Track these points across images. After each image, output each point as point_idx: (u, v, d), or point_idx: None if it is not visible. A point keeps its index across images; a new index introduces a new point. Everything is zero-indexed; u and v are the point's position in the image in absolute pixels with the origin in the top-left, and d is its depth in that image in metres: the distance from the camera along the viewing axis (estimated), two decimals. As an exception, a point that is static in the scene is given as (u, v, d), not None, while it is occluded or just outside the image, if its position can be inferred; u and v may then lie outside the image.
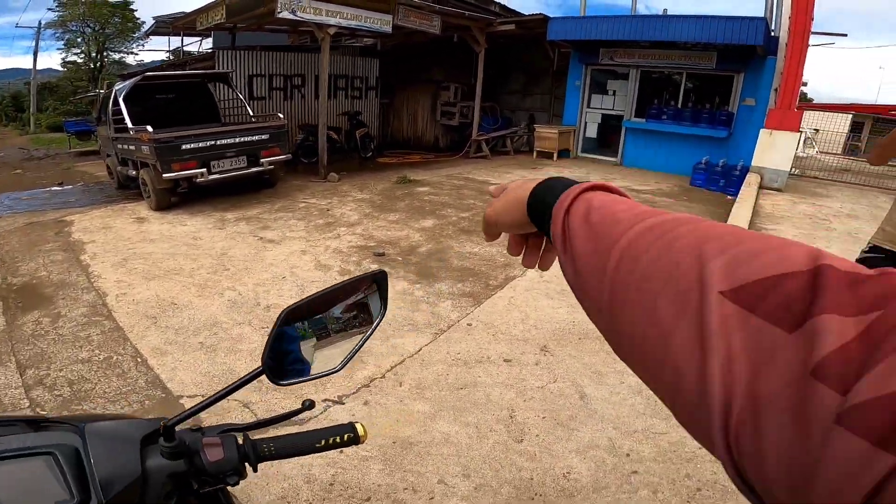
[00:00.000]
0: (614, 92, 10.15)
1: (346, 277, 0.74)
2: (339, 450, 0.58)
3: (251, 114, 7.64)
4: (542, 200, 0.43)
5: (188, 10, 9.08)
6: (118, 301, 3.49)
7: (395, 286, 3.69)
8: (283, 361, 0.65)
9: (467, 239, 4.83)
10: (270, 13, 7.10)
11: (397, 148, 12.08)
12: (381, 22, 8.00)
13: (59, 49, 29.71)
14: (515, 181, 0.51)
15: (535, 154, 10.47)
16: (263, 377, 0.62)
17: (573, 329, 3.11)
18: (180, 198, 6.36)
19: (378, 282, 0.69)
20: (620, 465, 2.04)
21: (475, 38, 9.82)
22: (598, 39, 9.15)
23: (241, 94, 8.00)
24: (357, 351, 0.68)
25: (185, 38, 15.37)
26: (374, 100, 11.36)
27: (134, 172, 6.51)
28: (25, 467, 0.51)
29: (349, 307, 0.69)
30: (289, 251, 4.51)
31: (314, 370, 0.66)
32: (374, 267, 4.10)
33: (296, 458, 0.63)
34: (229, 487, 0.62)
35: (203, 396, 2.45)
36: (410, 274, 4.00)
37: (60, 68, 31.95)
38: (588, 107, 10.52)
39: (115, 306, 3.41)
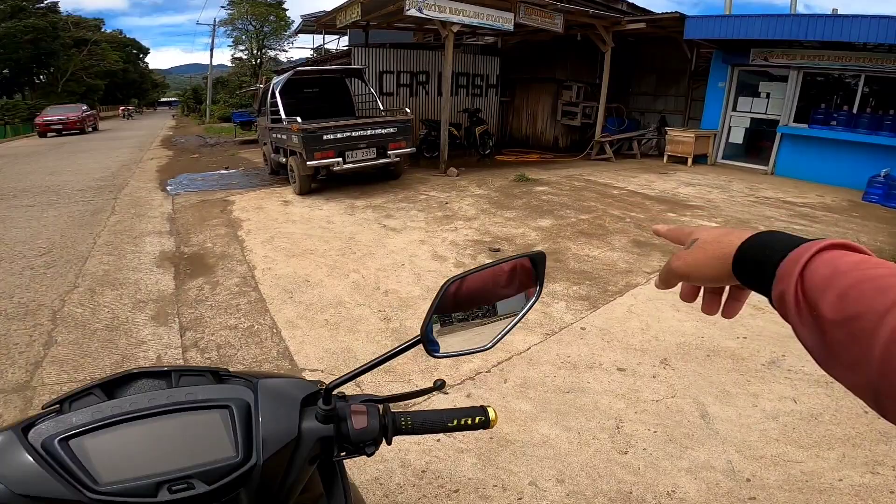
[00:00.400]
0: (768, 95, 9.03)
1: (505, 256, 0.74)
2: (465, 432, 0.58)
3: (381, 108, 8.09)
4: (760, 259, 0.40)
5: (329, 8, 9.86)
6: (264, 274, 3.95)
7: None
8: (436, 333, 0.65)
9: (586, 242, 4.66)
10: (399, 10, 7.49)
11: (515, 146, 12.03)
12: (502, 20, 8.02)
13: (228, 46, 34.17)
14: (706, 229, 0.48)
15: (665, 158, 9.71)
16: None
17: (701, 344, 2.85)
18: (319, 184, 7.05)
19: (536, 262, 0.69)
20: (736, 490, 1.83)
21: (601, 36, 9.39)
22: (749, 39, 8.20)
23: (372, 89, 8.51)
24: (509, 331, 0.68)
25: (326, 35, 16.80)
26: (493, 98, 11.46)
27: (284, 160, 7.32)
28: (204, 419, 0.54)
29: (513, 302, 0.69)
30: (408, 240, 4.74)
31: (466, 346, 0.66)
32: (490, 261, 4.13)
33: (422, 435, 0.64)
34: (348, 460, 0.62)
35: (323, 371, 2.65)
36: (524, 273, 3.97)
37: (230, 64, 36.77)
38: (734, 110, 9.49)
39: (261, 279, 3.86)
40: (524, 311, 0.69)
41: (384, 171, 7.45)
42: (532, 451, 2.04)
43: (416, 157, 8.70)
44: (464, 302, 0.66)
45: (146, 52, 59.15)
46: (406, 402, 0.58)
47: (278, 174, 8.16)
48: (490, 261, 0.71)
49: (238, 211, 6.05)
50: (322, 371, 2.64)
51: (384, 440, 0.62)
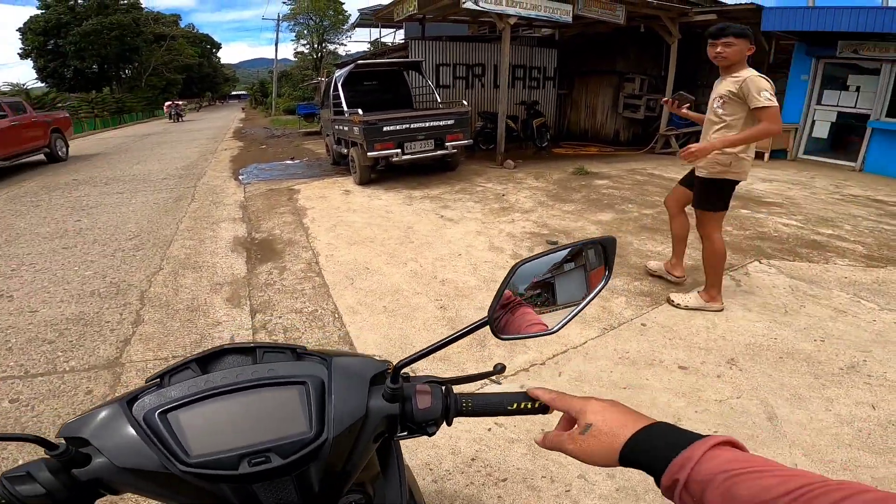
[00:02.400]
0: (857, 88, 8.30)
1: (576, 241, 0.72)
2: (524, 416, 0.60)
3: (438, 100, 8.14)
4: (650, 456, 0.45)
5: (386, 2, 9.99)
6: (327, 261, 4.12)
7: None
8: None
9: (649, 237, 4.50)
10: (456, 3, 7.48)
11: (573, 139, 11.74)
12: (560, 11, 7.83)
13: (291, 41, 35.31)
14: (597, 409, 0.52)
15: (738, 152, 9.14)
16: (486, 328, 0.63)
17: (773, 346, 2.70)
18: (378, 175, 7.23)
19: (606, 246, 0.69)
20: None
21: (666, 28, 8.96)
22: (836, 31, 7.60)
23: (429, 81, 8.57)
24: (576, 315, 0.68)
25: (382, 29, 17.06)
26: (551, 90, 11.26)
27: (345, 151, 7.57)
28: (282, 394, 0.56)
29: (574, 287, 0.69)
30: (465, 231, 4.77)
31: (537, 329, 0.67)
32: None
33: (481, 417, 0.64)
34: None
35: (380, 357, 2.77)
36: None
37: (293, 58, 38.09)
38: (818, 103, 8.79)
39: (325, 265, 4.03)
40: (591, 295, 0.69)
41: (441, 162, 7.52)
42: (583, 445, 2.01)
43: (473, 150, 8.71)
44: (531, 285, 0.67)
45: (218, 46, 62.50)
46: (466, 385, 0.61)
47: (339, 164, 8.44)
48: (575, 241, 0.72)
49: (303, 200, 6.34)
50: (379, 357, 2.71)
51: (445, 421, 0.63)
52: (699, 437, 0.44)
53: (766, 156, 8.71)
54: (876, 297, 3.27)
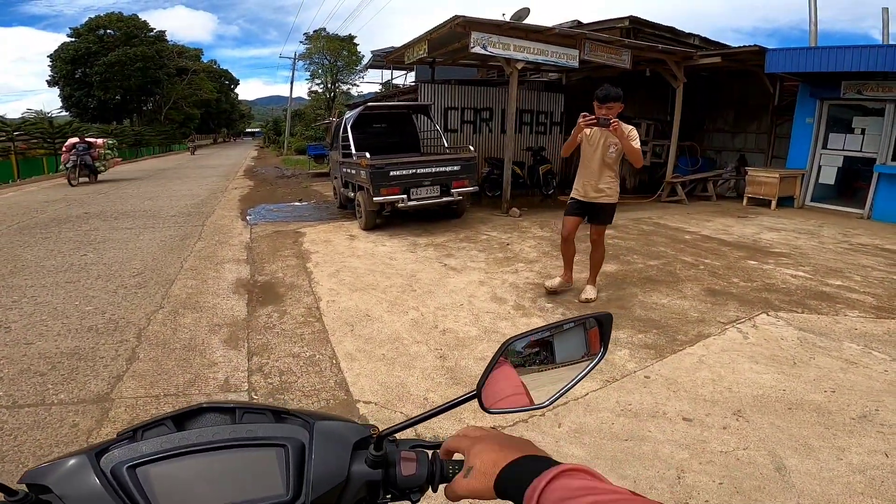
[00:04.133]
0: (863, 130, 8.32)
1: (571, 317, 0.72)
2: None
3: (446, 145, 8.20)
4: (512, 487, 0.49)
5: (397, 44, 10.31)
6: (328, 306, 4.10)
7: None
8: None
9: (653, 288, 4.45)
10: (464, 48, 7.72)
11: (581, 185, 11.83)
12: (567, 56, 8.02)
13: (306, 79, 36.39)
14: (478, 449, 0.55)
15: (744, 200, 9.16)
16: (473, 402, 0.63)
17: (782, 397, 2.65)
18: (383, 220, 7.28)
19: (601, 323, 0.69)
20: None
21: (671, 71, 9.16)
22: (840, 71, 7.68)
23: (437, 125, 8.67)
24: (568, 390, 0.67)
25: (394, 71, 17.61)
26: (558, 135, 11.26)
27: (352, 194, 7.59)
28: (260, 456, 0.56)
29: (573, 346, 0.69)
30: (468, 280, 4.75)
31: (526, 403, 0.66)
32: (550, 305, 4.08)
33: None
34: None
35: (376, 404, 2.68)
36: (585, 319, 3.84)
37: (307, 97, 39.29)
38: (824, 148, 8.82)
39: (326, 311, 4.01)
40: (584, 372, 0.68)
41: (446, 209, 7.52)
42: (582, 497, 1.93)
43: (478, 196, 8.72)
44: (529, 343, 0.67)
45: (236, 82, 64.63)
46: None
47: (346, 208, 8.47)
48: (558, 319, 0.72)
49: (308, 243, 6.37)
50: (376, 403, 2.68)
51: (430, 487, 0.62)
52: (554, 465, 0.47)
53: (773, 203, 8.70)
54: (887, 348, 3.23)
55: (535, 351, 0.67)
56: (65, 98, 36.73)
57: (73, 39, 36.03)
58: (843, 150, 8.59)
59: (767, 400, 2.64)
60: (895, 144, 7.85)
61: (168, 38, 41.52)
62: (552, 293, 4.31)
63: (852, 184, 8.75)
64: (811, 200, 9.01)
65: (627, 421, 2.47)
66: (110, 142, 16.17)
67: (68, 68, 35.54)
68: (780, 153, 9.92)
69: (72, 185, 13.35)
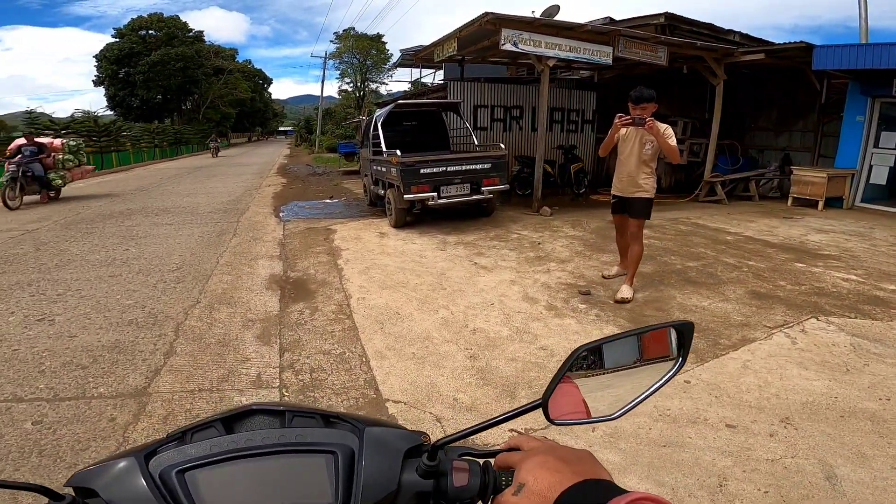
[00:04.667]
0: (918, 129, 7.89)
1: (650, 325, 0.68)
2: None
3: (476, 143, 8.11)
4: None
5: (426, 43, 10.22)
6: (358, 304, 4.11)
7: (602, 330, 3.48)
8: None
9: (693, 291, 4.28)
10: (495, 45, 7.61)
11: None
12: (600, 54, 7.82)
13: (336, 78, 36.77)
14: (531, 462, 0.51)
15: (789, 201, 8.76)
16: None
17: (833, 405, 2.53)
18: (413, 218, 7.27)
19: (681, 332, 0.64)
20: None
21: (710, 69, 8.82)
22: (892, 68, 7.29)
23: (467, 123, 8.61)
24: (641, 401, 0.64)
25: (423, 69, 17.60)
26: (590, 134, 11.04)
27: (382, 192, 7.60)
28: (309, 462, 0.55)
29: (645, 354, 0.65)
30: (499, 279, 4.68)
31: (592, 414, 0.63)
32: (583, 307, 3.98)
33: None
34: None
35: (406, 404, 2.66)
36: (621, 319, 3.73)
37: (337, 96, 39.78)
38: (875, 147, 8.38)
39: (356, 308, 4.02)
40: (662, 380, 0.64)
41: (476, 207, 7.46)
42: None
43: (508, 195, 8.61)
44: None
45: (270, 82, 65.93)
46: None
47: (376, 206, 8.50)
48: (635, 327, 0.68)
49: (339, 240, 6.42)
50: (405, 403, 2.66)
51: (482, 500, 0.58)
52: (621, 492, 0.44)
53: (821, 204, 8.30)
54: None
55: (583, 355, 0.63)
56: (110, 97, 38.25)
57: (116, 40, 37.45)
58: (895, 149, 8.16)
59: (818, 407, 2.52)
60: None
61: (205, 38, 42.77)
62: (608, 278, 4.60)
63: (905, 184, 8.30)
64: (861, 201, 8.59)
65: (666, 426, 2.38)
66: (72, 143, 11.13)
67: (113, 68, 36.97)
68: (827, 152, 9.49)
69: (9, 208, 8.93)
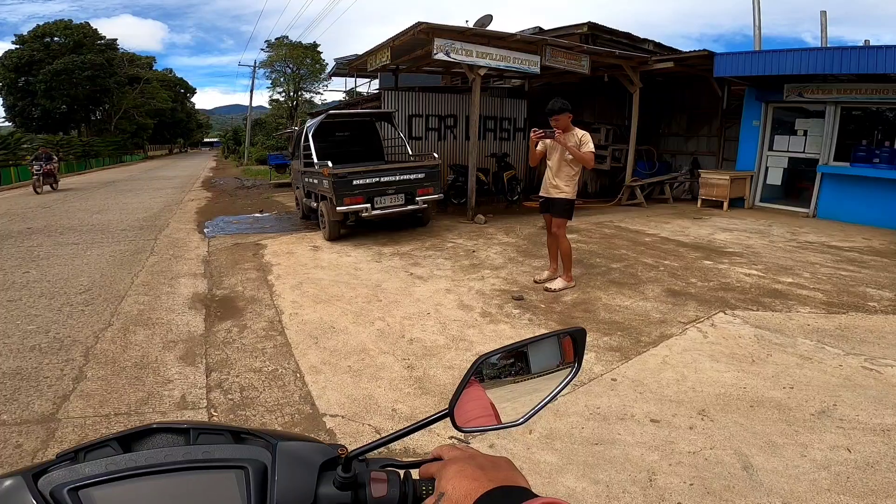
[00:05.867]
0: (805, 132, 8.76)
1: (543, 333, 0.71)
2: None
3: (410, 153, 8.10)
4: None
5: (361, 51, 10.13)
6: (290, 319, 3.97)
7: (534, 333, 3.58)
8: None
9: (618, 291, 4.53)
10: (427, 54, 7.71)
11: (545, 191, 11.99)
12: (529, 63, 8.13)
13: (267, 88, 35.48)
14: (450, 474, 0.50)
15: (699, 202, 9.50)
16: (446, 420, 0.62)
17: (743, 395, 2.72)
18: (348, 230, 7.14)
19: (575, 338, 0.67)
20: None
21: (628, 77, 9.43)
22: (781, 74, 8.05)
23: (401, 133, 8.59)
24: (543, 406, 0.66)
25: (357, 78, 17.47)
26: (521, 141, 11.31)
27: (315, 204, 7.39)
28: (218, 478, 0.53)
29: (548, 356, 0.67)
30: (435, 289, 4.70)
31: (501, 420, 0.65)
32: (517, 312, 4.09)
33: None
34: None
35: (344, 417, 2.62)
36: (552, 322, 3.87)
37: (268, 106, 38.41)
38: (770, 149, 9.25)
39: (288, 324, 3.88)
40: (559, 387, 0.66)
41: (412, 217, 7.44)
42: (557, 505, 1.91)
43: (444, 204, 8.68)
44: (503, 355, 0.66)
45: (193, 91, 62.43)
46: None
47: (309, 219, 8.27)
48: (530, 335, 0.69)
49: (269, 255, 6.17)
50: (343, 416, 2.61)
51: None
52: (532, 496, 0.45)
53: (725, 205, 9.06)
54: (840, 343, 3.37)
55: (509, 363, 0.66)
56: (7, 108, 34.71)
57: (17, 46, 34.06)
58: (787, 151, 9.00)
59: (730, 398, 2.70)
60: (836, 145, 8.28)
61: (121, 46, 39.84)
62: (539, 282, 4.80)
63: (797, 184, 9.21)
64: (760, 201, 9.42)
65: (597, 425, 2.48)
66: None
67: (11, 76, 33.59)
68: (729, 156, 10.36)
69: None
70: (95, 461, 0.52)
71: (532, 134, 4.31)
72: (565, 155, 4.37)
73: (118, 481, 0.50)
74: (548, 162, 4.54)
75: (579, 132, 4.35)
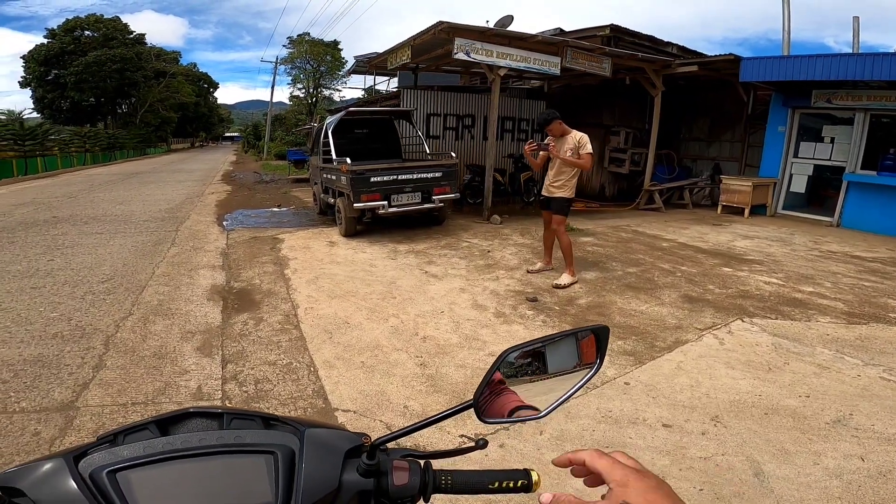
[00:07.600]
0: (832, 139, 8.53)
1: (568, 329, 0.71)
2: (507, 494, 0.59)
3: (427, 151, 8.14)
4: None
5: (380, 49, 10.21)
6: (306, 314, 4.02)
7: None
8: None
9: (633, 296, 4.49)
10: (448, 54, 7.72)
11: (561, 192, 11.91)
12: (549, 64, 8.07)
13: (287, 84, 35.75)
14: (639, 485, 0.48)
15: (719, 209, 9.35)
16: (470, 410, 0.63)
17: (758, 402, 2.70)
18: (364, 227, 7.20)
19: (598, 335, 0.68)
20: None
21: (650, 80, 9.29)
22: (810, 80, 7.84)
23: (419, 131, 8.63)
24: (564, 401, 0.67)
25: (377, 76, 17.55)
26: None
27: (332, 200, 7.47)
28: (248, 462, 0.55)
29: (565, 356, 0.68)
30: (449, 287, 4.72)
31: (519, 414, 0.66)
32: (531, 313, 4.08)
33: (461, 494, 0.62)
34: None
35: (355, 412, 2.64)
36: (566, 325, 3.84)
37: (288, 102, 38.75)
38: (795, 156, 9.04)
39: (304, 318, 3.93)
40: (581, 382, 0.67)
41: (427, 216, 7.46)
42: (565, 508, 1.91)
43: (460, 203, 8.67)
44: (521, 354, 0.67)
45: (216, 86, 63.29)
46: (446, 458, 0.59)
47: (326, 214, 8.34)
48: (553, 332, 0.72)
49: (286, 249, 6.26)
50: (354, 412, 2.64)
51: (423, 498, 0.61)
52: None
53: (747, 211, 8.89)
54: (859, 353, 3.31)
55: (528, 361, 0.67)
56: (37, 100, 35.66)
57: (48, 40, 35.00)
58: (813, 158, 8.79)
59: (744, 405, 2.67)
60: (863, 153, 8.05)
61: (148, 40, 40.66)
62: (532, 272, 5.13)
63: (822, 192, 9.00)
64: (783, 208, 9.22)
65: (608, 427, 2.47)
66: None
67: (41, 69, 34.51)
68: (753, 162, 10.15)
69: None
70: (133, 444, 0.54)
71: (526, 147, 4.70)
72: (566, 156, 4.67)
73: (154, 464, 0.52)
74: (551, 163, 4.84)
75: (577, 134, 4.62)
